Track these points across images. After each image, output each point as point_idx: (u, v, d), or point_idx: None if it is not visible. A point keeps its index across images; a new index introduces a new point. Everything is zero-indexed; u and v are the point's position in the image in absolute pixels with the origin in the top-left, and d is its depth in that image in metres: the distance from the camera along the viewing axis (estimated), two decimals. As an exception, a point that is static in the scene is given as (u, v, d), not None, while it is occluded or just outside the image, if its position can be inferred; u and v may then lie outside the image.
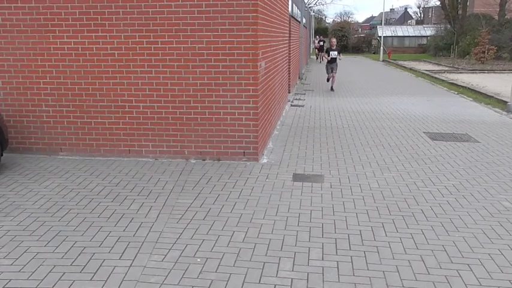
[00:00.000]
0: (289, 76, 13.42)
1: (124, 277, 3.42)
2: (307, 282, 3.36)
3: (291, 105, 11.84)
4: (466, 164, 6.41)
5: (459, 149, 7.22)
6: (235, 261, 3.65)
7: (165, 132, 6.42)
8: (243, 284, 3.33)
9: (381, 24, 46.00)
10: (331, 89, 15.51)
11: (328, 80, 16.06)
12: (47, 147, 6.67)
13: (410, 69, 26.80)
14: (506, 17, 36.20)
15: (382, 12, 47.39)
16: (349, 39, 55.38)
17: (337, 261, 3.66)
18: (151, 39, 6.17)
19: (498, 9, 36.61)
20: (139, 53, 6.22)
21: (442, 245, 3.93)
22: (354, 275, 3.46)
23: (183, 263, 3.62)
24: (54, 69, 6.40)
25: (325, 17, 72.41)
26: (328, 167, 6.19)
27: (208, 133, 6.37)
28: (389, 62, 35.85)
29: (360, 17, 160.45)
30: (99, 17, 6.17)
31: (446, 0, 42.21)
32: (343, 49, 49.24)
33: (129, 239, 4.03)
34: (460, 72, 24.98)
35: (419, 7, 79.70)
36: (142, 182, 5.51)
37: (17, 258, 3.68)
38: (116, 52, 6.25)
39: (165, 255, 3.74)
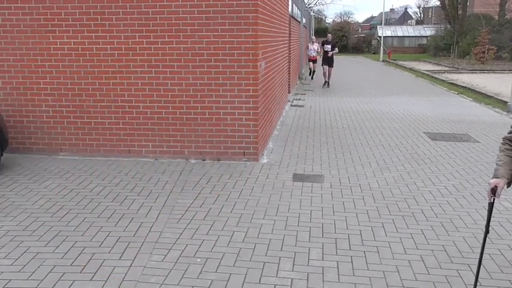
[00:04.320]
0: (289, 76, 13.42)
1: (124, 277, 3.41)
2: (307, 282, 3.36)
3: (291, 105, 11.84)
4: (466, 164, 6.41)
5: (459, 149, 7.22)
6: (235, 261, 3.65)
7: (165, 133, 6.42)
8: (243, 284, 3.33)
9: (381, 24, 45.99)
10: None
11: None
12: (47, 148, 6.67)
13: (410, 69, 26.80)
14: (506, 17, 36.20)
15: (382, 12, 47.43)
16: (349, 39, 55.37)
17: (337, 261, 3.66)
18: (151, 39, 6.17)
19: (498, 9, 36.61)
20: (139, 53, 6.22)
21: (442, 245, 3.93)
22: (354, 275, 3.46)
23: (183, 263, 3.62)
24: (54, 70, 6.40)
25: (325, 17, 72.19)
26: (328, 167, 6.19)
27: (208, 133, 6.37)
28: (389, 62, 35.86)
29: (360, 17, 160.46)
30: (99, 17, 6.17)
31: (446, 0, 42.22)
32: (343, 49, 48.85)
33: (129, 239, 4.03)
34: (460, 72, 24.98)
35: (419, 7, 79.66)
36: (142, 182, 5.51)
37: (17, 258, 3.68)
38: (116, 52, 6.25)
39: (165, 255, 3.74)
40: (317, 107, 11.61)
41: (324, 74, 16.35)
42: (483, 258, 3.11)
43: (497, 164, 2.87)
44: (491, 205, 2.91)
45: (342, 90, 15.58)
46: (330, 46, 16.22)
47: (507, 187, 2.87)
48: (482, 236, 2.99)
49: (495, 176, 2.84)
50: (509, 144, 2.85)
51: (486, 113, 11.00)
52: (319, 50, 17.53)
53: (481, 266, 3.54)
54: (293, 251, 3.83)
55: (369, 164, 6.36)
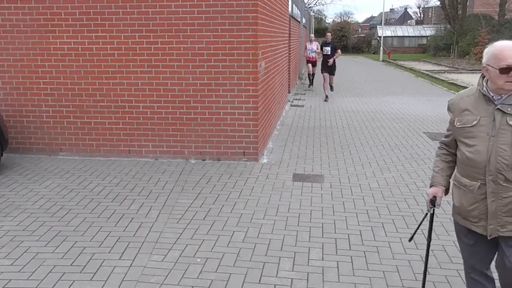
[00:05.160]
0: (289, 76, 13.42)
1: (124, 277, 3.41)
2: (307, 282, 3.36)
3: (291, 105, 11.84)
4: (466, 164, 6.40)
5: (459, 149, 7.22)
6: (235, 261, 3.65)
7: (165, 133, 6.42)
8: (243, 284, 3.33)
9: (381, 24, 45.99)
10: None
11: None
12: (47, 148, 6.67)
13: (410, 69, 26.80)
14: (506, 17, 36.17)
15: (382, 12, 47.42)
16: (349, 39, 55.36)
17: (337, 261, 3.66)
18: (151, 40, 6.17)
19: (498, 9, 36.59)
20: (139, 53, 6.22)
21: (442, 245, 3.93)
22: (354, 275, 3.46)
23: (183, 263, 3.62)
24: (54, 70, 6.40)
25: (325, 17, 72.14)
26: (328, 167, 6.19)
27: (208, 133, 6.37)
28: (389, 62, 35.85)
29: (359, 17, 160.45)
30: (99, 17, 6.17)
31: (446, 0, 42.22)
32: (343, 49, 48.67)
33: (129, 239, 4.03)
34: (460, 72, 24.99)
35: (419, 7, 79.67)
36: (142, 182, 5.51)
37: (17, 258, 3.68)
38: (116, 52, 6.25)
39: (165, 255, 3.74)
40: (317, 107, 11.61)
41: (324, 84, 13.16)
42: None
43: (433, 170, 2.69)
44: (432, 216, 2.73)
45: (342, 90, 15.58)
46: (329, 48, 13.08)
47: (445, 194, 2.70)
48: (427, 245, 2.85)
49: (432, 185, 2.66)
50: (446, 149, 2.67)
51: (486, 113, 10.98)
52: (318, 51, 14.80)
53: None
54: (293, 251, 3.83)
55: (369, 164, 6.36)
